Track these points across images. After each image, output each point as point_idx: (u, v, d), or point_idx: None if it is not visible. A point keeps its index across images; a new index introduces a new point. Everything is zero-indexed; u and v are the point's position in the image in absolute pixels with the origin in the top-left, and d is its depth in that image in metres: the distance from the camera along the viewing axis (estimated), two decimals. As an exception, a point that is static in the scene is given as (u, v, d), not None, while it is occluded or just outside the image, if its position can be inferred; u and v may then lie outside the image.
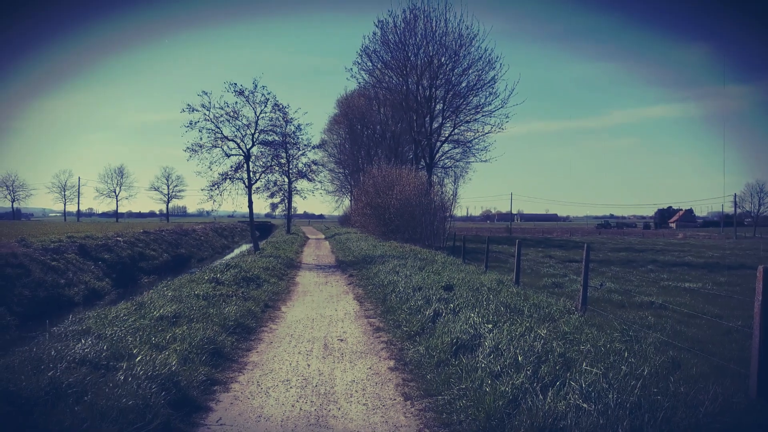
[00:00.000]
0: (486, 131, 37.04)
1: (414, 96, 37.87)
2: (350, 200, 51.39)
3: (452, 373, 5.34)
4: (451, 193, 33.69)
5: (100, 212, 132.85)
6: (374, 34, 36.98)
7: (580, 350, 5.19)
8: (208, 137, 20.60)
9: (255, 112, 20.99)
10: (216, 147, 20.82)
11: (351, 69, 39.16)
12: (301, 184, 25.11)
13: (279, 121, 21.76)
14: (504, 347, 5.45)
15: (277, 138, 22.05)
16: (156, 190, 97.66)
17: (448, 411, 4.56)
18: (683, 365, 5.14)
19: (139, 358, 5.09)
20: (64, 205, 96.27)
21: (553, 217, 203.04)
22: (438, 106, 38.08)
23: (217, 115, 20.45)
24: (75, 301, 14.72)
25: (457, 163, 41.18)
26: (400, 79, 38.07)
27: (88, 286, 16.21)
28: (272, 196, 24.56)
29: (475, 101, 36.70)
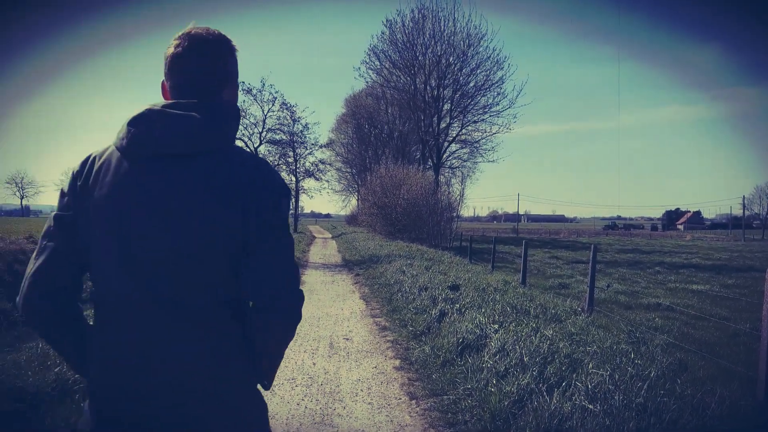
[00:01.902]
0: (494, 131, 37.17)
1: (422, 96, 37.88)
2: (357, 199, 51.43)
3: (458, 373, 5.33)
4: (458, 193, 33.71)
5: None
6: (382, 33, 37.11)
7: (586, 351, 5.17)
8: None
9: (263, 111, 21.15)
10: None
11: (359, 68, 39.32)
12: (309, 183, 25.28)
13: (286, 120, 21.92)
14: (510, 347, 5.43)
15: (284, 137, 22.17)
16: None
17: (454, 411, 4.55)
18: (690, 367, 5.11)
19: (145, 355, 5.11)
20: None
21: (560, 218, 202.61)
22: (446, 106, 38.11)
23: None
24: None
25: (465, 163, 41.25)
26: (408, 78, 38.12)
27: (95, 283, 16.28)
28: (279, 194, 24.59)
29: (482, 101, 36.77)
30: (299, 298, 1.48)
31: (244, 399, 1.45)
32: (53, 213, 1.49)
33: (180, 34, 1.49)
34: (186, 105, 1.42)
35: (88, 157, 1.50)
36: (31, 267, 1.45)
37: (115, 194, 1.39)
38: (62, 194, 1.50)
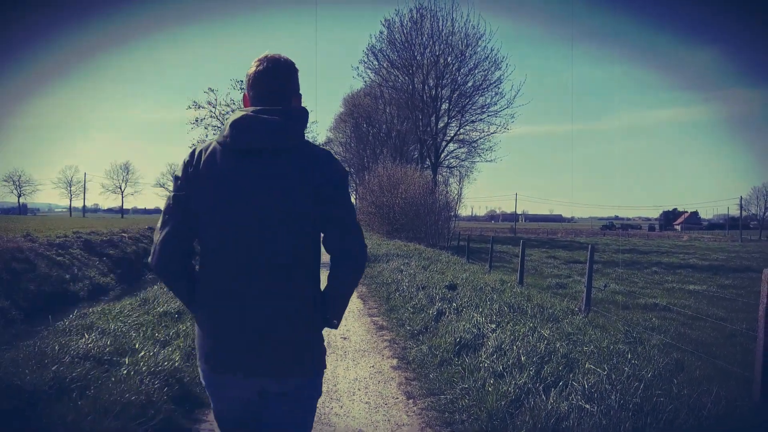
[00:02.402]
0: (491, 131, 37.19)
1: (420, 95, 37.87)
2: (355, 198, 51.41)
3: (455, 373, 5.34)
4: (456, 192, 33.84)
5: (105, 208, 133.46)
6: (381, 33, 37.10)
7: (583, 351, 5.18)
8: (214, 134, 20.68)
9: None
10: (222, 144, 20.88)
11: (357, 68, 39.19)
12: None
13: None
14: (507, 347, 5.44)
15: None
16: (162, 186, 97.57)
17: (451, 410, 4.56)
18: (687, 367, 5.13)
19: (142, 354, 5.10)
20: (70, 200, 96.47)
21: (558, 218, 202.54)
22: (444, 106, 38.11)
23: (223, 112, 20.56)
24: (80, 296, 14.78)
25: (462, 163, 41.27)
26: (406, 78, 38.09)
27: (92, 281, 16.26)
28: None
29: (480, 101, 36.79)
30: (364, 248, 1.99)
31: (313, 338, 2.00)
32: (171, 193, 1.93)
33: (260, 57, 1.99)
34: (271, 111, 1.87)
35: (194, 149, 1.95)
36: (158, 236, 1.91)
37: (221, 179, 1.84)
38: (176, 179, 1.94)
